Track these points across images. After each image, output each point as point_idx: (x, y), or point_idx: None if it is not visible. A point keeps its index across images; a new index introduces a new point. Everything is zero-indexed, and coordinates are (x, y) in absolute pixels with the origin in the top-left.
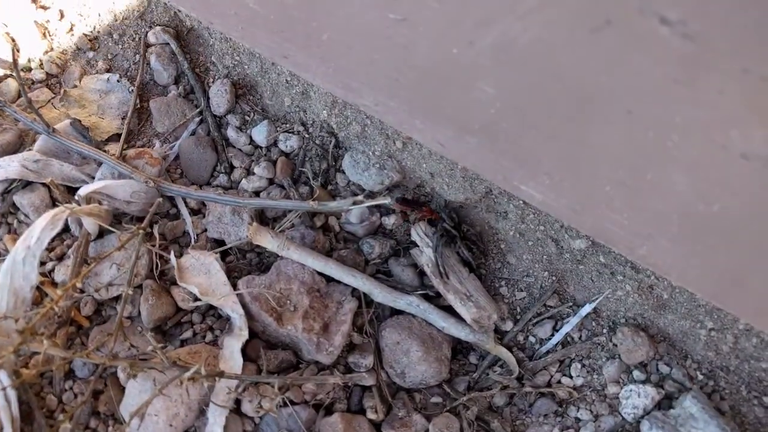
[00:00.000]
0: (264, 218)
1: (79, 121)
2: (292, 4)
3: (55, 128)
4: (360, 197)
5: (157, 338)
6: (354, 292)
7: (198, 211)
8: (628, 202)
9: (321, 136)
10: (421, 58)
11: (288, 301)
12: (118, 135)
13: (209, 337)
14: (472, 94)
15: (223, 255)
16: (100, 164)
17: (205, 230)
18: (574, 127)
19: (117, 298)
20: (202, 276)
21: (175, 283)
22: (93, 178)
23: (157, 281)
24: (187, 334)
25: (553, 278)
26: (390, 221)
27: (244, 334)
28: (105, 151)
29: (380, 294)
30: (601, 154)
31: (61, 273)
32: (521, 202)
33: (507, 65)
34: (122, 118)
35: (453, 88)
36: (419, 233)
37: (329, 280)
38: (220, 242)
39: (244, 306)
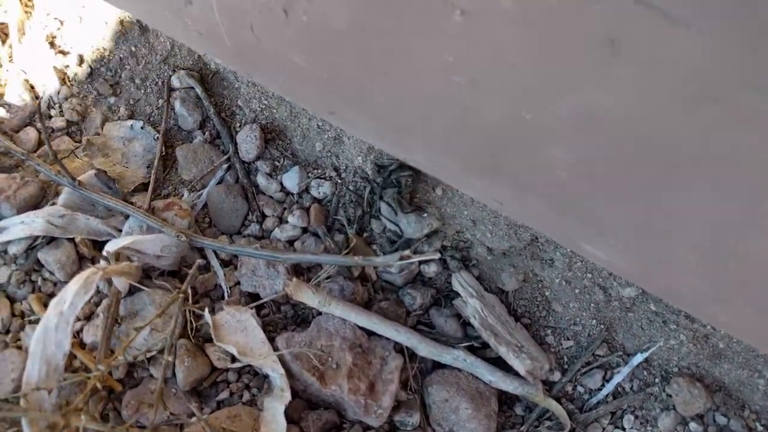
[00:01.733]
0: (299, 268)
1: (104, 171)
2: (344, 63)
3: (80, 180)
4: (407, 252)
5: (195, 402)
6: (396, 346)
7: (229, 263)
8: (705, 266)
9: (355, 182)
10: (485, 120)
11: (330, 359)
12: (145, 185)
13: (246, 396)
14: (541, 157)
15: (258, 308)
16: (127, 217)
17: (238, 283)
18: (653, 192)
19: (150, 359)
20: (239, 334)
21: (209, 340)
22: (120, 231)
23: (192, 340)
24: (224, 394)
25: (602, 326)
26: (430, 269)
27: (287, 396)
28: (132, 202)
29: (425, 349)
30: (680, 220)
31: (90, 334)
32: (569, 250)
33: (586, 133)
34: (147, 167)
35: (519, 151)
36: (461, 282)
37: (370, 333)
38: (254, 296)
39: (284, 365)
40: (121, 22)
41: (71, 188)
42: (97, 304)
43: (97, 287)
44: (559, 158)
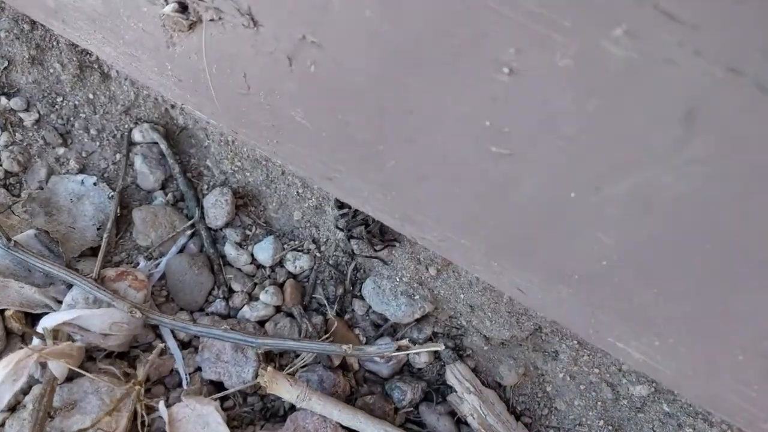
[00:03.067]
0: (270, 354)
1: (46, 232)
2: (355, 122)
3: (15, 241)
4: (405, 341)
5: None
6: None
7: (189, 344)
8: (765, 374)
9: (336, 256)
10: (522, 198)
11: None
12: (93, 250)
13: None
14: (583, 242)
15: (221, 399)
16: (70, 286)
17: (199, 369)
18: (714, 290)
19: None
20: (199, 431)
21: None
22: (60, 303)
23: None
24: None
25: (609, 428)
26: (421, 360)
27: None
28: (77, 270)
29: None
30: (743, 322)
31: (14, 430)
32: (575, 342)
33: (639, 217)
34: (98, 229)
35: (558, 234)
36: (457, 375)
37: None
38: (218, 384)
39: None
40: (80, 65)
41: (3, 249)
42: (25, 393)
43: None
44: (603, 244)
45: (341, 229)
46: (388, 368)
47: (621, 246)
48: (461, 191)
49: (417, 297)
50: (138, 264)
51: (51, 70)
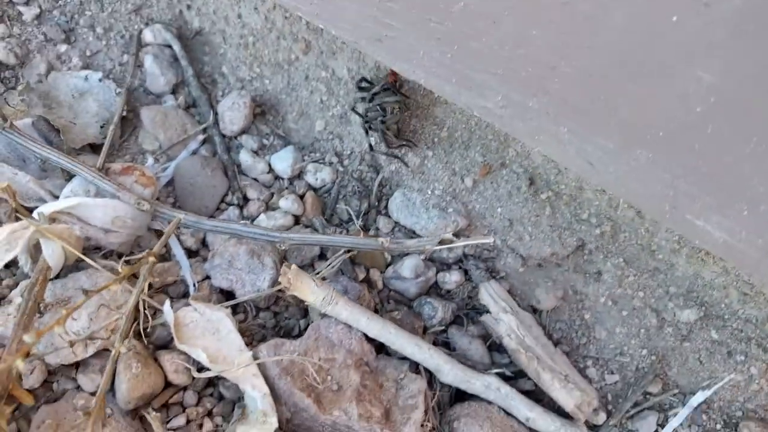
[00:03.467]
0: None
1: (46, 120)
2: None
3: (12, 122)
4: (448, 234)
5: (138, 429)
6: (411, 366)
7: (196, 253)
8: None
9: (360, 170)
10: (609, 35)
11: (329, 377)
12: (94, 146)
13: (208, 426)
14: (677, 86)
15: (232, 309)
16: (69, 178)
17: (208, 277)
18: None
19: (76, 365)
20: (209, 337)
21: (164, 347)
22: (56, 198)
23: (144, 343)
24: (178, 421)
25: (653, 358)
26: (451, 278)
27: (271, 423)
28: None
29: (451, 372)
30: None
31: None
32: (621, 260)
33: (754, 37)
34: (102, 126)
35: (646, 81)
36: (492, 295)
37: (378, 350)
38: (228, 294)
39: (268, 381)
40: None
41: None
42: (11, 288)
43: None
44: (702, 83)
45: (359, 114)
46: (416, 286)
47: (724, 83)
48: (538, 34)
49: (450, 210)
50: (146, 162)
51: None
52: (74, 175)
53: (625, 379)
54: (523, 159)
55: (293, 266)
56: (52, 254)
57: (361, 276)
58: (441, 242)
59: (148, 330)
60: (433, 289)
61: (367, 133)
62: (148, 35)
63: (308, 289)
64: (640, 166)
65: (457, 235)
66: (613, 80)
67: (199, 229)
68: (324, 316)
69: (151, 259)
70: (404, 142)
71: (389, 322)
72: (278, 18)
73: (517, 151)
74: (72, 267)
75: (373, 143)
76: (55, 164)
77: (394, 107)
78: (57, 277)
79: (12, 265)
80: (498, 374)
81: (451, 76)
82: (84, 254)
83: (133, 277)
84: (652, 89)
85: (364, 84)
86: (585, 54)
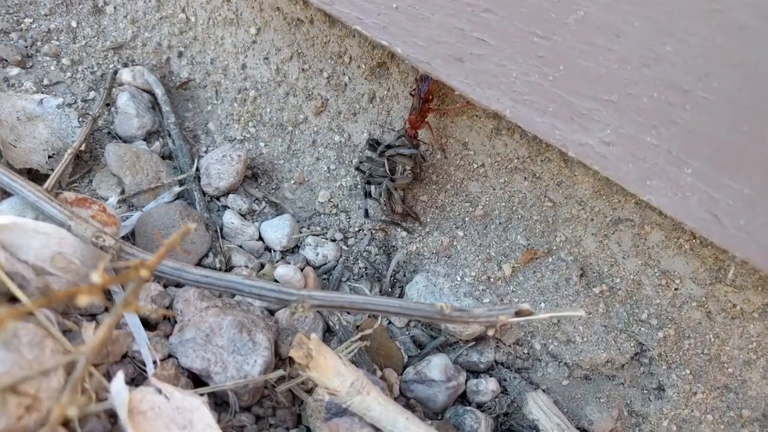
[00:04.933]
0: (283, 344)
1: None
2: None
3: None
4: (526, 305)
5: None
6: None
7: (153, 326)
8: None
9: (368, 251)
10: (765, 48)
11: None
12: (35, 176)
13: None
14: None
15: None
16: (4, 195)
17: (170, 356)
18: None
19: None
20: None
21: None
22: None
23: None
24: None
25: None
26: (487, 387)
27: None
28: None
29: None
30: None
31: None
32: (688, 372)
33: None
34: (50, 156)
35: None
36: (542, 407)
37: None
38: (199, 379)
39: None
40: None
41: None
42: None
43: None
44: None
45: (362, 172)
46: (446, 393)
47: None
48: (672, 49)
49: (486, 301)
50: (108, 201)
51: None
52: (6, 198)
53: None
54: (573, 245)
55: (314, 336)
56: None
57: (379, 372)
58: (518, 313)
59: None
60: (459, 401)
61: (366, 196)
62: (126, 75)
63: (333, 370)
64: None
65: (479, 339)
66: (763, 106)
67: (178, 280)
68: (345, 411)
69: (143, 273)
70: (410, 213)
71: (432, 428)
72: (293, 70)
73: (566, 236)
74: None
75: (370, 210)
76: None
77: (406, 167)
78: None
79: None
80: None
81: (548, 104)
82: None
83: (73, 320)
84: None
85: (374, 144)
86: (730, 73)
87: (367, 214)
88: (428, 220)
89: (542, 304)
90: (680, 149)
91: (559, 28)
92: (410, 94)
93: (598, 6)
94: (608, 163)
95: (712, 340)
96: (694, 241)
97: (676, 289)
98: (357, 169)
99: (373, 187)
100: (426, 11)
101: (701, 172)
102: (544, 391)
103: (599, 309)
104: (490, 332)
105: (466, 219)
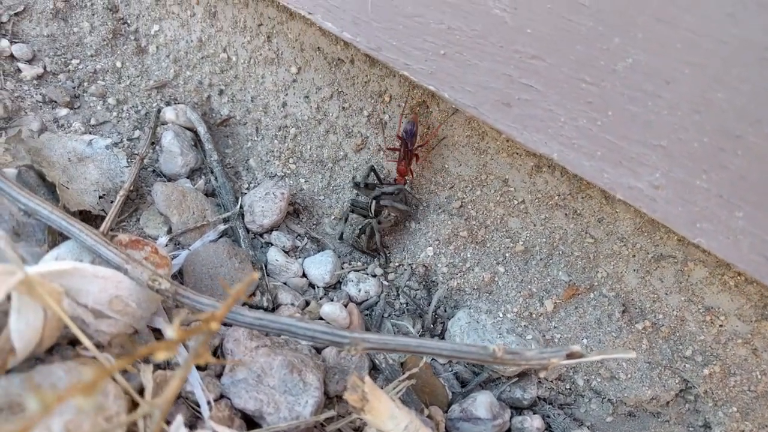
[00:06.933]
0: (332, 385)
1: (38, 172)
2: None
3: None
4: (577, 347)
5: None
6: None
7: (203, 367)
8: None
9: (408, 286)
10: None
11: None
12: (87, 217)
13: None
14: None
15: None
16: (53, 245)
17: (222, 396)
18: None
19: None
20: None
21: None
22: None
23: None
24: None
25: None
26: (532, 424)
27: None
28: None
29: None
30: None
31: None
32: (735, 410)
33: None
34: (101, 197)
35: None
36: None
37: None
38: (251, 421)
39: None
40: (114, 31)
41: None
42: None
43: None
44: None
45: (355, 206)
46: (492, 431)
47: None
48: (724, 96)
49: (529, 337)
50: (158, 241)
51: (75, 29)
52: (63, 240)
53: None
54: (615, 281)
55: (367, 379)
56: (24, 331)
57: (427, 410)
58: (569, 356)
59: None
60: None
61: (344, 220)
62: (169, 113)
63: (387, 413)
64: None
65: (522, 376)
66: None
67: (233, 323)
68: None
69: (213, 326)
70: (384, 250)
71: None
72: (333, 109)
73: (608, 272)
74: (36, 358)
75: (345, 234)
76: (45, 220)
77: (392, 213)
78: (10, 371)
79: None
80: None
81: (597, 148)
82: (56, 343)
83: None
84: None
85: (372, 178)
86: None
87: (341, 238)
88: (468, 255)
89: (584, 340)
90: (731, 193)
91: (607, 74)
92: (397, 136)
93: (648, 53)
94: (657, 206)
95: (759, 377)
96: (738, 278)
97: (720, 326)
98: (352, 204)
99: (354, 216)
100: (473, 58)
101: (752, 215)
102: (588, 428)
103: (642, 345)
104: (542, 374)
105: (507, 255)
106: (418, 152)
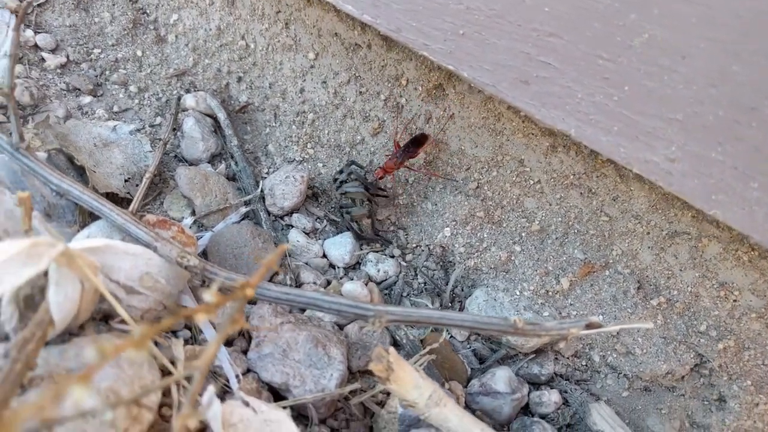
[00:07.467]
0: (356, 356)
1: (68, 155)
2: None
3: (29, 144)
4: (596, 318)
5: None
6: None
7: (231, 342)
8: None
9: (426, 266)
10: None
11: None
12: (114, 199)
13: None
14: None
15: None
16: (84, 225)
17: (249, 370)
18: None
19: None
20: None
21: None
22: None
23: None
24: None
25: None
26: (550, 399)
27: None
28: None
29: None
30: None
31: None
32: (749, 383)
33: None
34: (126, 180)
35: None
36: (606, 417)
37: None
38: (277, 393)
39: None
40: (134, 21)
41: (10, 151)
42: None
43: None
44: None
45: (337, 185)
46: (511, 405)
47: None
48: (739, 69)
49: (546, 314)
50: (183, 221)
51: (96, 19)
52: (93, 221)
53: None
54: (630, 259)
55: (392, 349)
56: (63, 303)
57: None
58: (588, 326)
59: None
60: (521, 413)
61: (342, 216)
62: (189, 100)
63: (411, 382)
64: None
65: (539, 352)
66: None
67: (260, 297)
68: (415, 426)
69: (249, 292)
70: (377, 237)
71: None
72: (350, 93)
73: (623, 250)
74: (70, 332)
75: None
76: (76, 200)
77: (363, 199)
78: (48, 343)
79: None
80: None
81: (613, 123)
82: (89, 319)
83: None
84: None
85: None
86: None
87: (347, 228)
88: (485, 235)
89: (600, 317)
90: (746, 165)
91: (624, 50)
92: (394, 141)
93: (664, 29)
94: (673, 180)
95: None
96: (752, 253)
97: (734, 301)
98: (342, 208)
99: (344, 211)
100: (492, 37)
101: (767, 186)
102: (605, 402)
103: (658, 321)
104: (561, 344)
105: (523, 234)
106: (409, 165)
